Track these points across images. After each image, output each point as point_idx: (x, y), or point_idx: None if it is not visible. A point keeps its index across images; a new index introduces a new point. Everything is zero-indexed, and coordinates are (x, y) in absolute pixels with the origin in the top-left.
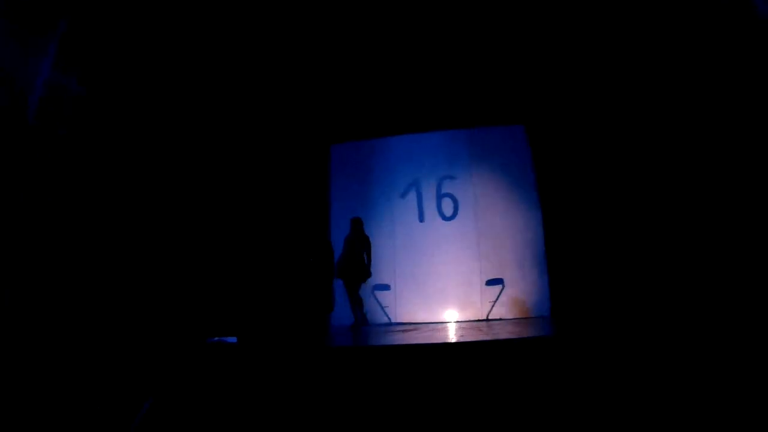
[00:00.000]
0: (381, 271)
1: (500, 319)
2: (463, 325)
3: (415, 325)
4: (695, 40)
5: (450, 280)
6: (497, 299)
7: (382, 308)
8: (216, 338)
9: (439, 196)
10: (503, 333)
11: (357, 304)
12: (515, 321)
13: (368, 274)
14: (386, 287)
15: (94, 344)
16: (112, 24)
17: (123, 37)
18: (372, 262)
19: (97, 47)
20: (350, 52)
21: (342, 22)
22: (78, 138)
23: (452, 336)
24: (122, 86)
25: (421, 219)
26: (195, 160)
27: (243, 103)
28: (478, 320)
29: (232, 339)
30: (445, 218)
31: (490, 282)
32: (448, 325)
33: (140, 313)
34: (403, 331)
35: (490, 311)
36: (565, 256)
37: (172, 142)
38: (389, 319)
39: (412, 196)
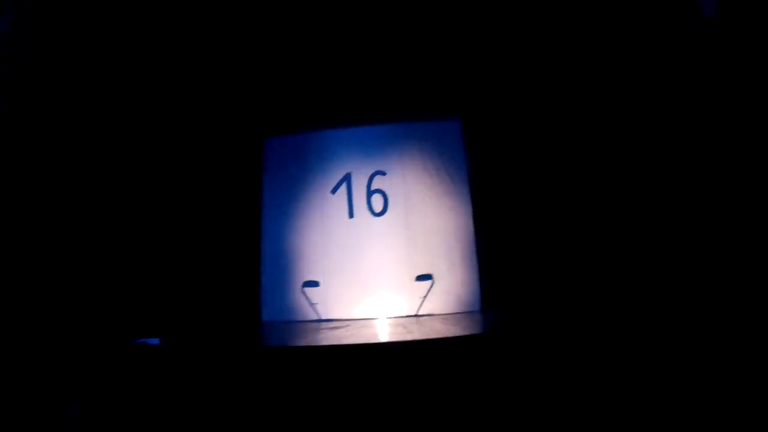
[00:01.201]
0: (310, 268)
1: (430, 315)
2: (392, 321)
3: (345, 322)
4: (640, 39)
5: (380, 275)
6: (426, 295)
7: (311, 305)
8: (139, 340)
9: (370, 192)
10: (431, 332)
11: None
12: (444, 316)
13: None
14: (315, 284)
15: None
16: None
17: None
18: (302, 259)
19: None
20: (288, 42)
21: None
22: None
23: (380, 334)
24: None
25: (351, 215)
26: (109, 149)
27: (170, 91)
28: (408, 316)
29: (155, 341)
30: (375, 214)
31: (420, 278)
32: (377, 321)
33: (57, 314)
34: (332, 328)
35: (420, 307)
36: (496, 251)
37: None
38: (318, 315)
39: (342, 192)
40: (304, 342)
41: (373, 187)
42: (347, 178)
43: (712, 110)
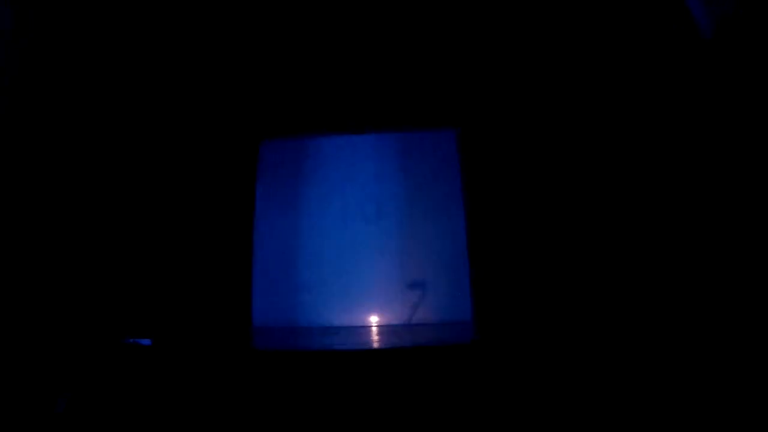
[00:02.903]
0: (302, 273)
1: (422, 323)
2: (383, 329)
3: (335, 329)
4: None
5: (372, 282)
6: (418, 303)
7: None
8: (131, 339)
9: (363, 199)
10: (422, 340)
11: None
12: (435, 325)
13: None
14: (306, 289)
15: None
16: None
17: None
18: (294, 264)
19: None
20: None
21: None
22: None
23: (371, 341)
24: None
25: (344, 221)
26: (101, 147)
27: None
28: (399, 324)
29: (147, 341)
30: (368, 221)
31: (412, 286)
32: (368, 328)
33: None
34: (322, 334)
35: (412, 315)
36: (488, 260)
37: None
38: (308, 322)
39: (336, 198)
40: (294, 347)
41: (367, 194)
42: (341, 184)
43: (710, 132)
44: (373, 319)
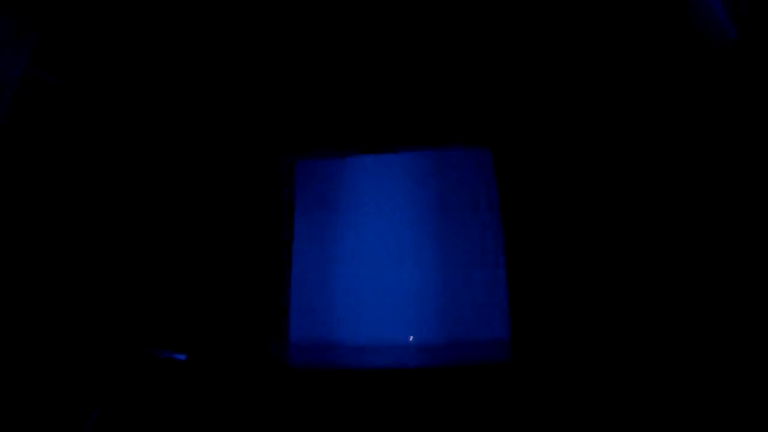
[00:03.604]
0: (338, 291)
1: (460, 343)
2: (420, 346)
3: (371, 347)
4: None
5: (408, 300)
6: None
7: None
8: (165, 354)
9: (401, 216)
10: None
11: None
12: (473, 343)
13: None
14: (342, 306)
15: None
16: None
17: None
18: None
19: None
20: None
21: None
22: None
23: (408, 359)
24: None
25: (381, 238)
26: (144, 172)
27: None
28: (435, 343)
29: (182, 356)
30: (405, 238)
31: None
32: (405, 346)
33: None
34: (360, 353)
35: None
36: (527, 280)
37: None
38: (344, 340)
39: (374, 215)
40: (330, 364)
41: (403, 211)
42: (377, 203)
43: (737, 138)
44: (410, 338)
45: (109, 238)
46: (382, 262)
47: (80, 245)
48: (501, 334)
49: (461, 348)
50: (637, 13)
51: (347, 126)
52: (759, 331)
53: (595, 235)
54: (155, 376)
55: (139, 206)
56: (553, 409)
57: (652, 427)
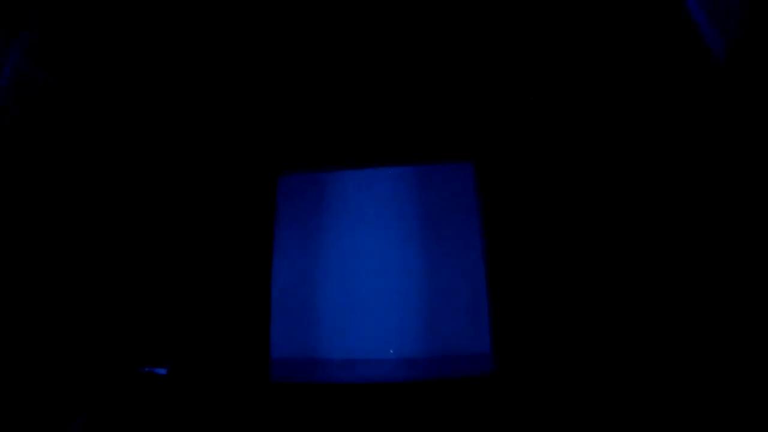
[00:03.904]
0: (319, 305)
1: (442, 356)
2: (400, 360)
3: (353, 361)
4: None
5: (390, 314)
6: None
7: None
8: (146, 368)
9: (383, 231)
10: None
11: None
12: (454, 357)
13: None
14: (324, 321)
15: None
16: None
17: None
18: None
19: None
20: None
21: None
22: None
23: (390, 373)
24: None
25: (363, 252)
26: (116, 179)
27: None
28: (417, 357)
29: (162, 370)
30: (387, 252)
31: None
32: (388, 361)
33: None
34: (341, 367)
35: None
36: (508, 293)
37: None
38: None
39: (356, 230)
40: (311, 379)
41: (385, 226)
42: (359, 217)
43: (723, 158)
44: (391, 352)
45: (91, 253)
46: (364, 276)
47: (62, 255)
48: (482, 348)
49: (443, 361)
50: (621, 30)
51: (331, 141)
52: (745, 341)
53: (577, 249)
54: (136, 391)
55: (122, 218)
56: (533, 421)
57: None
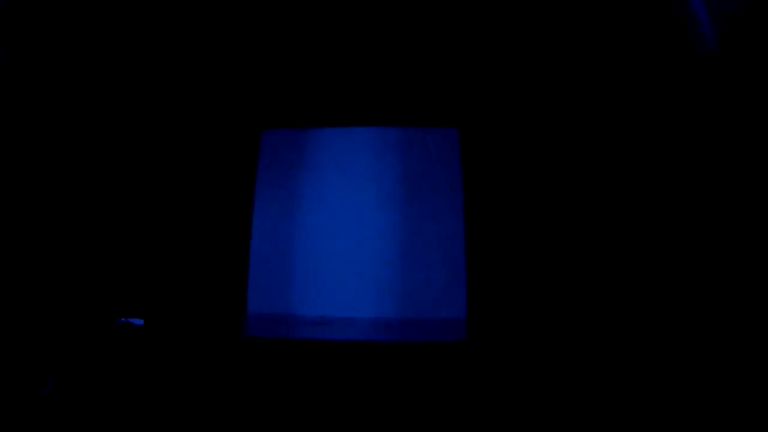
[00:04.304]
0: (298, 262)
1: (417, 320)
2: (378, 320)
3: (328, 318)
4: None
5: (369, 275)
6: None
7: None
8: (122, 319)
9: (363, 191)
10: (415, 334)
11: None
12: (429, 321)
13: None
14: (301, 278)
15: None
16: None
17: None
18: (290, 253)
19: None
20: (289, 39)
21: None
22: None
23: (365, 333)
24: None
25: (343, 212)
26: (97, 138)
27: (163, 79)
28: (392, 318)
29: (139, 321)
30: (366, 213)
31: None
32: (363, 321)
33: (36, 291)
34: (312, 325)
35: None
36: (485, 258)
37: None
38: (301, 311)
39: (336, 189)
40: (286, 335)
41: (366, 186)
42: (340, 176)
43: (711, 153)
44: (367, 312)
45: (64, 205)
46: (342, 236)
47: (34, 211)
48: (458, 314)
49: (418, 325)
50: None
51: (315, 97)
52: (727, 330)
53: (557, 220)
54: (110, 344)
55: (94, 172)
56: (505, 388)
57: (606, 407)
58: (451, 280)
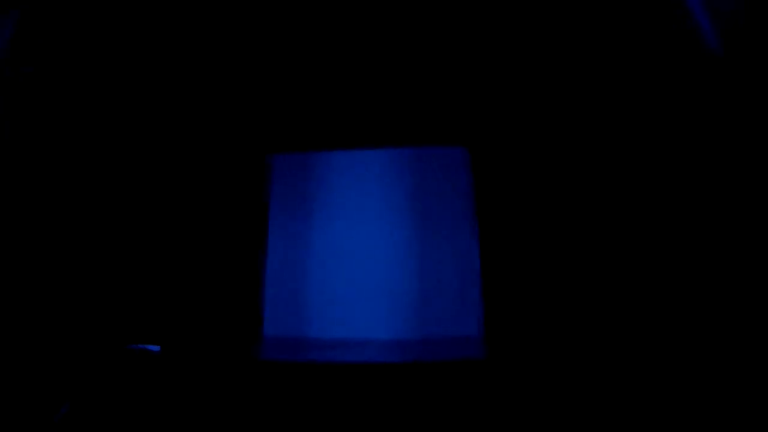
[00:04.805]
0: (313, 285)
1: (433, 339)
2: (393, 342)
3: (344, 341)
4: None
5: (382, 296)
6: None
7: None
8: (138, 346)
9: (377, 213)
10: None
11: None
12: (445, 340)
13: None
14: (317, 301)
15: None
16: None
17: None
18: (305, 276)
19: None
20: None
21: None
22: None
23: (381, 354)
24: None
25: (357, 233)
26: (112, 155)
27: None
28: (408, 339)
29: (155, 347)
30: (380, 235)
31: (419, 299)
32: (379, 342)
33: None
34: (332, 347)
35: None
36: (500, 276)
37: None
38: (317, 334)
39: (349, 211)
40: (302, 358)
41: (379, 208)
42: (353, 198)
43: (717, 153)
44: (383, 333)
45: (82, 232)
46: (356, 258)
47: (51, 237)
48: (474, 332)
49: (434, 344)
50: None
51: (325, 121)
52: (727, 335)
53: (569, 234)
54: (128, 368)
55: (112, 199)
56: (522, 406)
57: (625, 423)
58: (467, 298)
